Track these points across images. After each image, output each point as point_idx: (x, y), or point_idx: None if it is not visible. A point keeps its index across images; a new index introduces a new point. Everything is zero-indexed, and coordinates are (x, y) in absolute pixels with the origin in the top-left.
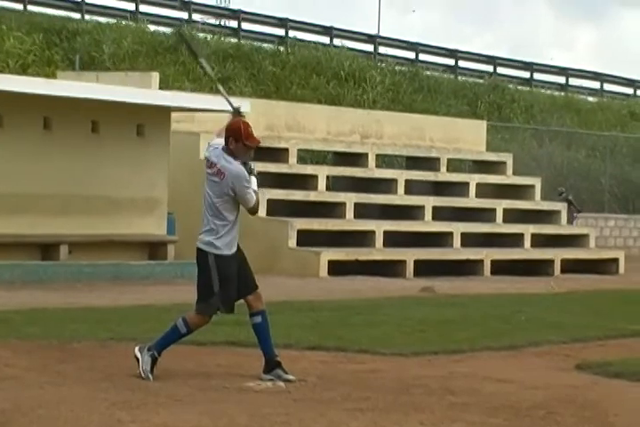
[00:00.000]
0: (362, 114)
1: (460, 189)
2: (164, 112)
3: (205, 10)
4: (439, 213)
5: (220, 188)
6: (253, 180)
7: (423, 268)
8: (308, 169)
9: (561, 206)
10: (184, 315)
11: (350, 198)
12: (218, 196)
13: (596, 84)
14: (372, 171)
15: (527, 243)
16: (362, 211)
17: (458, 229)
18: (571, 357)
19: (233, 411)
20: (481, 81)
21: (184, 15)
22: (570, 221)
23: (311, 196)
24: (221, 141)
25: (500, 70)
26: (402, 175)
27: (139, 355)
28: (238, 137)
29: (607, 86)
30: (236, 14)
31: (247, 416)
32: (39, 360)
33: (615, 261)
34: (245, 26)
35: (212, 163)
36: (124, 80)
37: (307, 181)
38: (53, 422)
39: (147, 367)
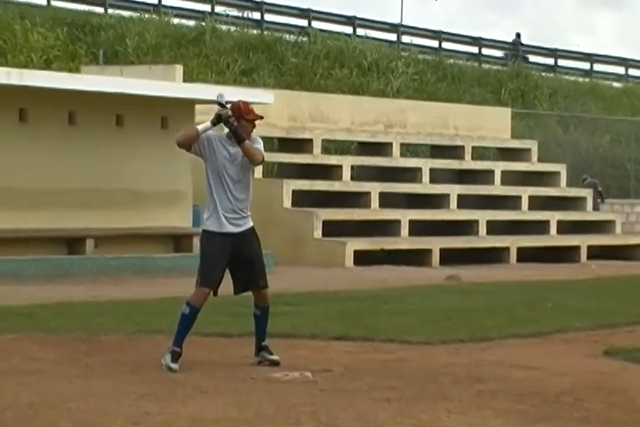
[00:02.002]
0: (386, 103)
1: (484, 176)
2: (188, 105)
3: (228, 2)
4: (464, 202)
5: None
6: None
7: (449, 256)
8: (333, 159)
9: (586, 193)
10: None
11: (375, 188)
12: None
13: (620, 70)
14: (397, 160)
15: (553, 230)
16: (387, 200)
17: (483, 216)
18: (598, 343)
19: (260, 402)
20: (504, 68)
21: (207, 8)
22: (595, 207)
23: (336, 186)
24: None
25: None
26: (426, 164)
27: (171, 367)
28: (240, 115)
29: (632, 71)
30: (258, 6)
31: (274, 407)
32: (67, 354)
33: None
34: (268, 17)
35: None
36: (147, 73)
37: (331, 172)
38: (82, 415)
39: (165, 360)
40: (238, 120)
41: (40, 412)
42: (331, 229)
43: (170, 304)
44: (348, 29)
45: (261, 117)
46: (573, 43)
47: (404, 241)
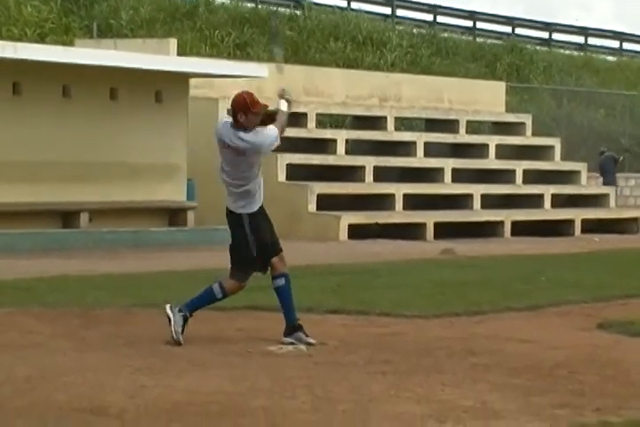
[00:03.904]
0: (380, 77)
1: (479, 150)
2: (182, 78)
3: None
4: (459, 175)
5: (245, 161)
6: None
7: (443, 230)
8: (327, 133)
9: (581, 166)
10: (221, 280)
11: (369, 162)
12: (245, 167)
13: (615, 44)
14: (391, 134)
15: (547, 203)
16: (381, 174)
17: (478, 190)
18: (592, 316)
19: (255, 375)
20: (499, 42)
21: None
22: (612, 182)
23: (330, 160)
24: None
25: (519, 31)
26: (421, 138)
27: (170, 314)
28: (246, 109)
29: (627, 45)
30: None
31: (269, 380)
32: (62, 327)
33: (635, 220)
34: None
35: (224, 142)
36: (141, 47)
37: (326, 146)
38: (78, 389)
39: (178, 328)
40: (245, 114)
41: (37, 385)
42: (325, 202)
43: (165, 278)
44: (343, 3)
45: (266, 106)
46: (569, 17)
47: (399, 215)
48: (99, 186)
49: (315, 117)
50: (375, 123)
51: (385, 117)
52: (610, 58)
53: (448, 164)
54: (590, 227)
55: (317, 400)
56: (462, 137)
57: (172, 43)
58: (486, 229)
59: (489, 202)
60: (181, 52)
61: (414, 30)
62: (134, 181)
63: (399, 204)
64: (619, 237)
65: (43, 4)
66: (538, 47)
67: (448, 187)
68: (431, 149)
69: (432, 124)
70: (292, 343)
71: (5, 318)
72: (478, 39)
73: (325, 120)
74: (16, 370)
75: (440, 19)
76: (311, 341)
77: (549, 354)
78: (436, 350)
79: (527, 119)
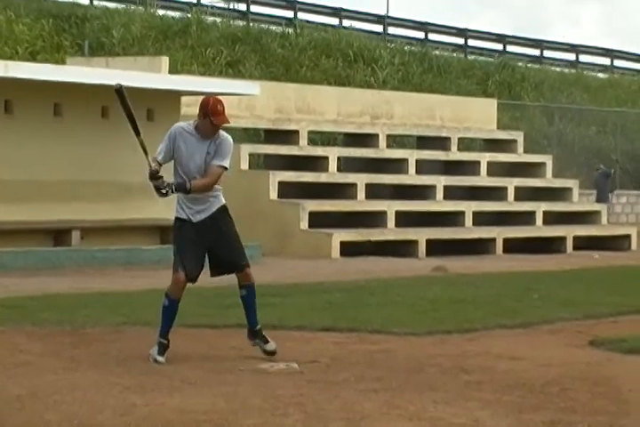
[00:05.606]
0: (372, 95)
1: (470, 167)
2: (173, 96)
3: None
4: (450, 193)
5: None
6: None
7: (435, 247)
8: (319, 151)
9: (572, 183)
10: None
11: (361, 179)
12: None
13: (606, 61)
14: (383, 151)
15: (539, 220)
16: (373, 191)
17: (469, 207)
18: (584, 333)
19: (247, 393)
20: (491, 59)
21: None
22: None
23: (322, 177)
24: None
25: (510, 48)
26: (412, 155)
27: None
28: (206, 112)
29: (617, 62)
30: None
31: (261, 398)
32: (53, 346)
33: (627, 237)
34: (254, 8)
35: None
36: (133, 65)
37: (317, 163)
38: (68, 408)
39: (152, 352)
40: (204, 116)
41: (27, 404)
42: (317, 220)
43: (156, 296)
44: (335, 21)
45: (227, 122)
46: (558, 34)
47: (391, 232)
48: (90, 204)
49: (306, 135)
50: (367, 140)
51: (377, 135)
52: (601, 75)
53: (440, 181)
54: (582, 244)
55: (309, 418)
56: (454, 154)
57: (164, 61)
58: (478, 247)
59: (481, 219)
60: (173, 70)
61: (406, 48)
62: (126, 200)
63: (391, 221)
64: (610, 254)
65: (34, 22)
66: (529, 64)
67: (440, 204)
68: (423, 167)
69: (424, 142)
70: (255, 344)
71: None
72: (469, 57)
73: (317, 138)
74: (7, 389)
75: (431, 36)
76: (269, 348)
77: (541, 371)
78: (428, 368)
79: (519, 136)
